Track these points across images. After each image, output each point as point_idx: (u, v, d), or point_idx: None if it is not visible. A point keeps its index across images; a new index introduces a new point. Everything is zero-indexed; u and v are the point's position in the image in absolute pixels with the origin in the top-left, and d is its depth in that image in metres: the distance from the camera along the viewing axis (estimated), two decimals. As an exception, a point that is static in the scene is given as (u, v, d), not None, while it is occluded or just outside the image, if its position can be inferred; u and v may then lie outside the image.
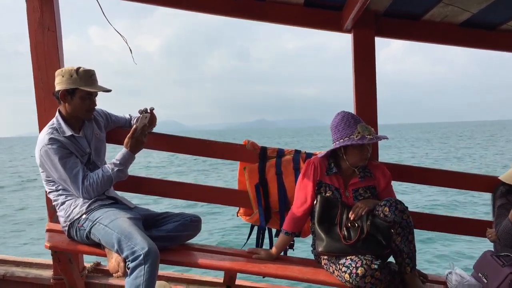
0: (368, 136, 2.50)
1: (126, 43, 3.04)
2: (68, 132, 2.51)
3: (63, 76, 2.49)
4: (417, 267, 2.49)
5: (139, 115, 2.76)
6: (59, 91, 2.50)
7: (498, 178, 2.90)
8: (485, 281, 2.58)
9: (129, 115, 3.03)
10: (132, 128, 2.55)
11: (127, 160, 2.55)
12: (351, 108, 3.06)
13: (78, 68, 2.50)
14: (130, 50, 3.14)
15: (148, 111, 2.69)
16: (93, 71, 2.56)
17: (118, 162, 2.53)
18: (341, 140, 2.56)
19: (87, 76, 2.52)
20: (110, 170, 2.51)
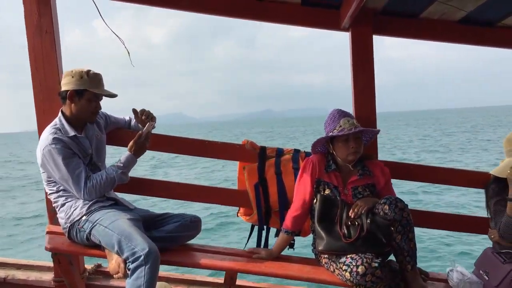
0: (347, 128, 2.51)
1: (124, 44, 3.03)
2: (71, 133, 2.52)
3: (72, 77, 2.51)
4: (417, 265, 2.49)
5: (137, 115, 2.79)
6: (67, 91, 2.52)
7: (489, 173, 2.88)
8: (487, 278, 2.57)
9: (129, 117, 3.04)
10: (138, 134, 2.59)
11: (130, 163, 2.59)
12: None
13: (88, 71, 2.54)
14: (128, 52, 3.12)
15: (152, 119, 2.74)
16: (101, 75, 2.60)
17: (122, 164, 2.56)
18: (327, 135, 2.62)
19: (97, 79, 2.56)
20: (114, 172, 2.53)
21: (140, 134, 2.59)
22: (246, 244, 2.94)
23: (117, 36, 3.02)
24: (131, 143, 2.59)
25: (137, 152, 2.61)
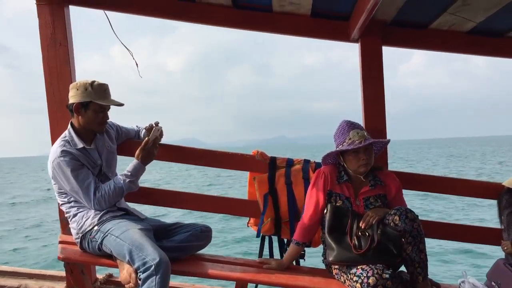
0: (357, 141, 2.51)
1: (132, 57, 3.10)
2: (80, 145, 2.55)
3: (77, 89, 2.53)
4: (429, 276, 2.47)
5: (148, 127, 2.80)
6: (73, 103, 2.54)
7: (502, 184, 2.87)
8: (499, 289, 2.56)
9: (137, 126, 3.07)
10: (144, 140, 2.59)
11: (138, 171, 2.59)
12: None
13: (93, 82, 2.55)
14: (136, 64, 3.19)
15: (157, 125, 2.76)
16: (107, 85, 2.60)
17: (129, 173, 2.57)
18: (337, 149, 2.61)
19: (101, 90, 2.57)
20: (121, 182, 2.55)
21: (147, 140, 2.60)
22: (268, 254, 2.96)
23: (127, 48, 3.09)
24: (138, 150, 2.60)
25: (144, 160, 2.61)
